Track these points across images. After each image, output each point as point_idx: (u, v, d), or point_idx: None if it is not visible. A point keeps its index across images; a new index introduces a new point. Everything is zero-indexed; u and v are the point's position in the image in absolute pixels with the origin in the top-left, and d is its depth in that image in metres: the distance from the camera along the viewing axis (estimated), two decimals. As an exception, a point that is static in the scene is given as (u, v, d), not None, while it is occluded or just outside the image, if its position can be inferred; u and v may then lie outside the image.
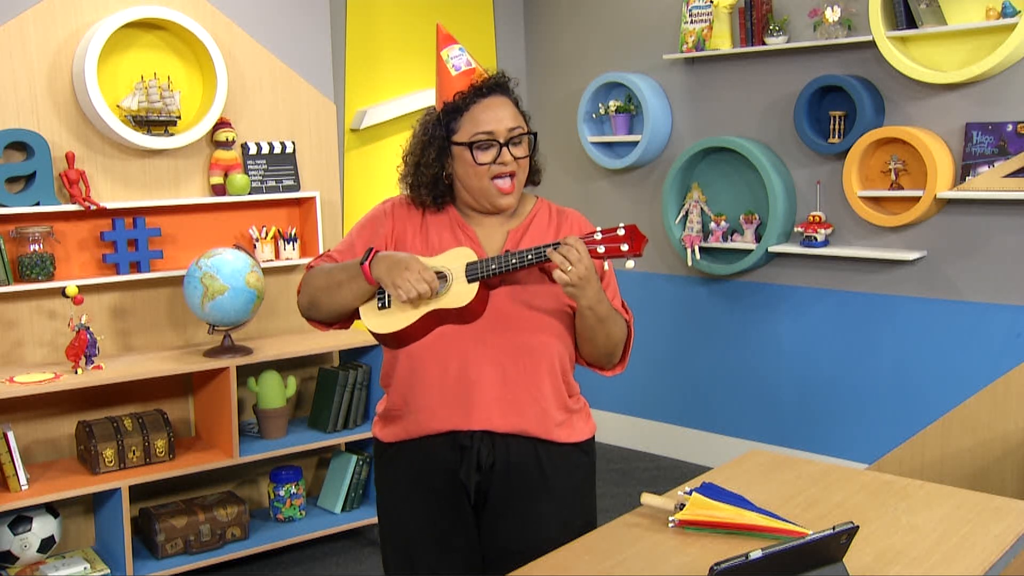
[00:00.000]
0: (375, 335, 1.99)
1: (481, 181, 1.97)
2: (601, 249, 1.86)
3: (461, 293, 1.92)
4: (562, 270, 1.83)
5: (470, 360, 1.95)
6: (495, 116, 1.96)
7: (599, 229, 1.89)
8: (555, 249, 1.84)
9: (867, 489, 2.08)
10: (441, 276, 1.94)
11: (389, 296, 1.96)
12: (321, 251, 3.99)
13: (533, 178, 2.11)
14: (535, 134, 2.04)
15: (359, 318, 2.03)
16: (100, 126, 3.54)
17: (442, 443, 2.00)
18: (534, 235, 2.05)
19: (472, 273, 1.92)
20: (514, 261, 1.89)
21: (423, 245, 2.03)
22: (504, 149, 1.96)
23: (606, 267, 1.98)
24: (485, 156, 1.96)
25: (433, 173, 2.01)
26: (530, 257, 1.88)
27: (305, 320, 2.12)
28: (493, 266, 1.90)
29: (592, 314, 1.92)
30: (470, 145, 1.96)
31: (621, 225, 1.87)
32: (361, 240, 2.07)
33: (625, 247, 1.85)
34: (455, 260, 1.95)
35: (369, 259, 1.93)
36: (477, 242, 2.03)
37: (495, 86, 2.01)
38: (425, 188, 2.02)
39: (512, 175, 1.98)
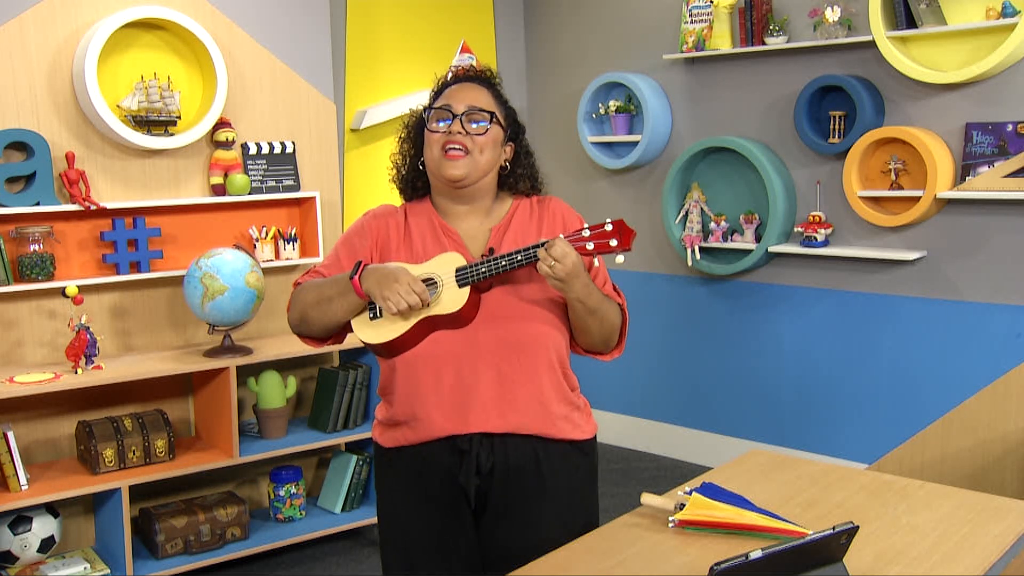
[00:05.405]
0: (368, 345, 1.99)
1: (432, 150, 2.00)
2: (590, 246, 1.87)
3: (452, 299, 1.91)
4: (548, 268, 1.84)
5: (464, 364, 1.94)
6: (459, 95, 2.02)
7: (587, 226, 1.89)
8: (541, 248, 1.85)
9: (867, 489, 2.08)
10: (431, 283, 1.94)
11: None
12: (321, 251, 4.00)
13: (520, 185, 2.09)
14: (506, 126, 2.05)
15: (351, 332, 2.03)
16: (100, 126, 3.54)
17: (441, 448, 1.99)
18: (517, 229, 2.05)
19: (462, 278, 1.92)
20: (503, 263, 1.89)
21: (408, 253, 2.03)
22: (457, 120, 1.98)
23: (596, 261, 1.98)
24: (438, 125, 2.00)
25: (412, 158, 2.08)
26: (519, 258, 1.89)
27: (297, 337, 2.13)
28: (483, 270, 1.90)
29: (583, 306, 1.93)
30: (427, 114, 2.02)
31: (608, 220, 1.87)
32: (346, 253, 2.07)
33: (614, 242, 1.86)
34: (444, 266, 1.95)
35: (359, 273, 1.93)
36: (461, 243, 2.03)
37: (475, 76, 2.08)
38: (410, 176, 2.10)
39: (463, 147, 1.98)
